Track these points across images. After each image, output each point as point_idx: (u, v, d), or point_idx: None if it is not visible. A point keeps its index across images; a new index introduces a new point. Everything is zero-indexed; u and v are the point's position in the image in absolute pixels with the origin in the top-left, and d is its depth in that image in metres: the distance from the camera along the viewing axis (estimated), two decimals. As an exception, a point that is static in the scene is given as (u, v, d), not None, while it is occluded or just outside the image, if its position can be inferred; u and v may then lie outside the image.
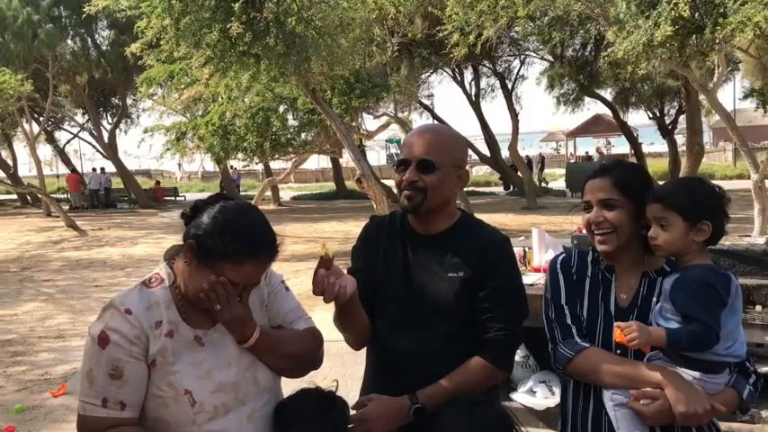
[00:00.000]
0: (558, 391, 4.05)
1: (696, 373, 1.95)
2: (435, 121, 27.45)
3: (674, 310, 1.94)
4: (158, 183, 36.13)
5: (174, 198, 33.34)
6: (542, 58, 23.83)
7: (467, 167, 2.31)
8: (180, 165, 36.64)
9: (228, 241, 1.81)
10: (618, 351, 2.07)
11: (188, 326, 1.89)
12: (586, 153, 43.32)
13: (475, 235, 2.22)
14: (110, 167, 34.04)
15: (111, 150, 30.95)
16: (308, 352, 2.07)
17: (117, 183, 33.57)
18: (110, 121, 32.58)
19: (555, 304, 2.19)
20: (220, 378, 1.88)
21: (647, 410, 1.95)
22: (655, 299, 2.07)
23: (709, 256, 2.02)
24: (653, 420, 1.96)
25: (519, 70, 25.99)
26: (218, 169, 34.74)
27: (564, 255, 2.29)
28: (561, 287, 2.21)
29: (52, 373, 6.79)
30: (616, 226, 2.07)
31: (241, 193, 33.09)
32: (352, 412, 2.09)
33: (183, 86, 14.02)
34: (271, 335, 1.98)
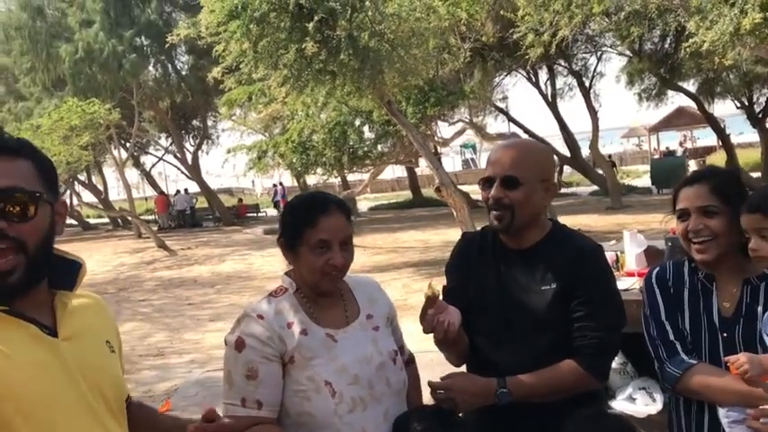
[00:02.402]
0: (659, 397, 3.93)
1: None
2: (511, 124, 27.11)
3: None
4: (241, 200, 37.13)
5: (255, 214, 34.19)
6: (620, 54, 23.18)
7: (554, 178, 2.30)
8: (253, 182, 37.67)
9: (297, 216, 2.02)
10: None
11: (319, 326, 2.01)
12: (667, 148, 41.89)
13: (567, 245, 2.21)
14: (193, 187, 35.25)
15: (194, 171, 32.09)
16: None
17: (201, 202, 34.72)
18: (192, 143, 33.78)
19: (655, 321, 2.15)
20: (355, 371, 1.97)
21: (766, 429, 1.86)
22: (760, 308, 1.99)
23: None
24: None
25: (596, 67, 25.36)
26: (295, 184, 35.55)
27: (658, 268, 2.24)
28: (659, 302, 2.16)
29: (155, 391, 7.07)
30: (717, 234, 2.02)
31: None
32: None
33: (261, 106, 14.41)
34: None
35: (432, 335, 2.06)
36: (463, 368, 2.39)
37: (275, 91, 11.50)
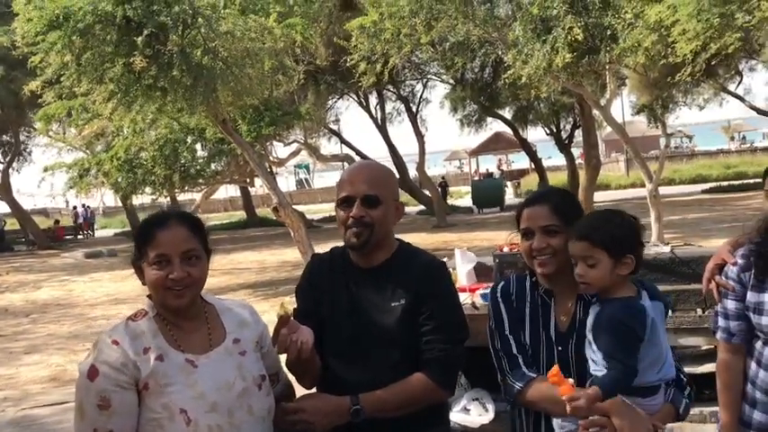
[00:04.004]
0: (491, 407, 4.16)
1: (636, 399, 2.04)
2: (344, 146, 27.63)
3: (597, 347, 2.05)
4: (57, 222, 34.49)
5: (75, 237, 31.90)
6: (444, 82, 24.53)
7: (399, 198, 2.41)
8: (67, 202, 35.29)
9: (138, 234, 2.00)
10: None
11: (178, 351, 1.95)
12: (487, 170, 44.84)
13: (413, 262, 2.30)
14: (2, 208, 32.27)
15: (4, 190, 29.35)
16: None
17: (12, 224, 31.81)
18: (2, 160, 30.91)
19: (500, 334, 2.25)
20: (214, 399, 1.92)
21: None
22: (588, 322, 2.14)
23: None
24: None
25: (422, 94, 26.64)
26: (120, 204, 33.72)
27: (503, 282, 2.36)
28: (504, 316, 2.27)
29: (-38, 433, 6.39)
30: (557, 251, 2.15)
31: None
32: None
33: (83, 122, 13.54)
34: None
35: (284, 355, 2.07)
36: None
37: (100, 106, 10.88)
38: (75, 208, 34.58)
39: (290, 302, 2.43)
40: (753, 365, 2.32)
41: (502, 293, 2.31)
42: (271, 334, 2.10)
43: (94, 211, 38.04)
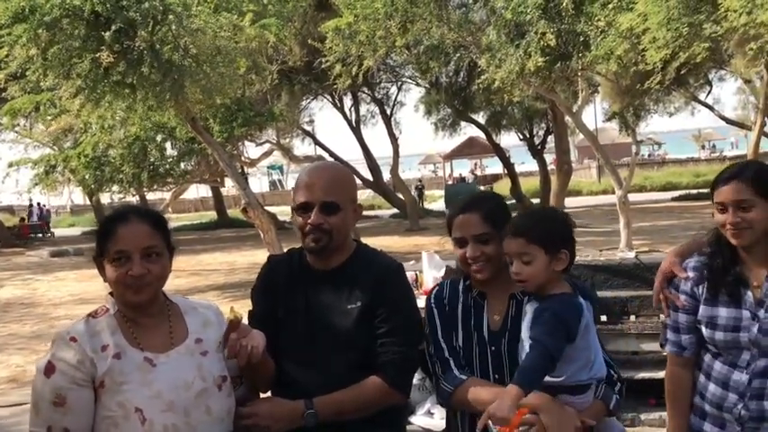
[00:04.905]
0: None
1: (565, 396, 2.06)
2: (317, 147, 27.52)
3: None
4: (23, 219, 33.77)
5: (40, 234, 31.31)
6: (418, 85, 24.56)
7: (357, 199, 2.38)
8: (30, 200, 34.75)
9: (99, 230, 2.01)
10: (496, 376, 2.18)
11: (136, 349, 1.94)
12: (460, 175, 45.08)
13: (371, 265, 2.29)
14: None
15: (-33, 186, 28.71)
16: None
17: (-25, 221, 31.09)
18: (-35, 155, 30.32)
19: (433, 339, 2.26)
20: (170, 398, 1.90)
21: None
22: (524, 322, 2.15)
23: (584, 272, 2.17)
24: None
25: (397, 97, 26.63)
26: (88, 202, 33.21)
27: (437, 288, 2.38)
28: (436, 321, 2.28)
29: None
30: (491, 257, 2.19)
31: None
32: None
33: (50, 117, 13.30)
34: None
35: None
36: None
37: (67, 102, 10.68)
38: (30, 206, 33.92)
39: (246, 306, 2.37)
40: (701, 378, 2.31)
41: (435, 299, 2.33)
42: None
43: (50, 210, 37.42)
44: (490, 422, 2.05)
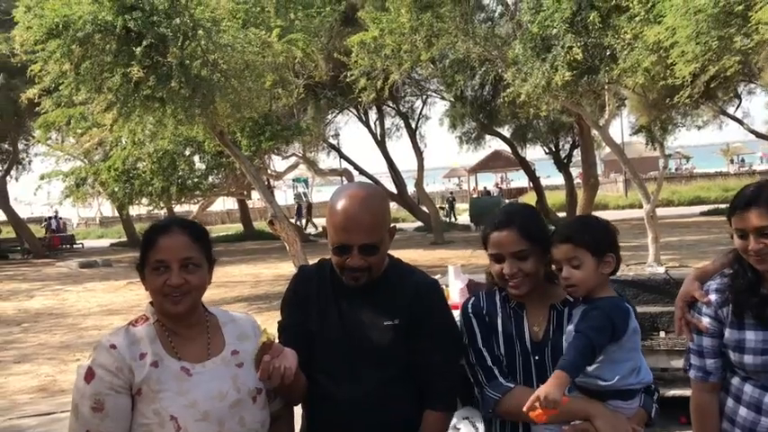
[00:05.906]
0: (480, 426, 4.12)
1: (616, 402, 2.07)
2: (343, 161, 27.61)
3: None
4: (54, 230, 34.38)
5: (70, 246, 31.78)
6: (443, 99, 24.59)
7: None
8: (54, 216, 35.17)
9: (143, 240, 2.05)
10: (540, 385, 2.15)
11: (173, 358, 1.98)
12: (485, 188, 44.93)
13: (406, 281, 2.28)
14: (-1, 216, 32.19)
15: (0, 198, 29.28)
16: None
17: (8, 232, 31.70)
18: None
19: (473, 348, 2.26)
20: (206, 408, 1.94)
21: None
22: (570, 326, 2.16)
23: (614, 287, 2.19)
24: None
25: (422, 110, 26.69)
26: (117, 214, 33.67)
27: (473, 298, 2.37)
28: (476, 330, 2.28)
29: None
30: (529, 273, 2.19)
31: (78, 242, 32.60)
32: None
33: (80, 131, 13.54)
34: None
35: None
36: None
37: (98, 116, 10.88)
38: (48, 219, 34.50)
39: (273, 317, 2.38)
40: (730, 402, 2.23)
41: (473, 308, 2.33)
42: None
43: (66, 223, 38.15)
44: (535, 429, 2.09)
